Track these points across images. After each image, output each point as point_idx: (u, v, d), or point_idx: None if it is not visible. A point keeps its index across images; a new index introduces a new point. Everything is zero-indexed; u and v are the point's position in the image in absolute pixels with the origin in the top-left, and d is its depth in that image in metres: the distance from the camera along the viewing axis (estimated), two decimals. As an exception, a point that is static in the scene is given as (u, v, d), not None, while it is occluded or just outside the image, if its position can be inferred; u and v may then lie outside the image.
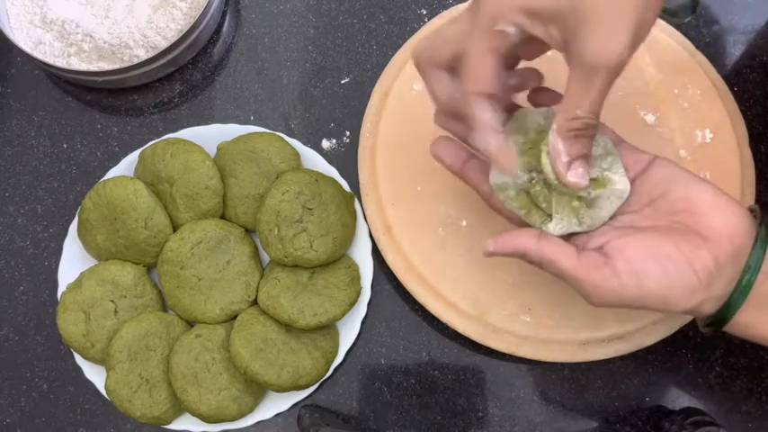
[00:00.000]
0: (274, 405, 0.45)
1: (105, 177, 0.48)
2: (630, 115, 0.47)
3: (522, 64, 0.37)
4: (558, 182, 0.34)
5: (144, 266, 0.47)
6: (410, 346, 0.47)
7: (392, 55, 0.50)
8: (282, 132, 0.49)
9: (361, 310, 0.46)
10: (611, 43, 0.29)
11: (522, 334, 0.44)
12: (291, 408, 0.45)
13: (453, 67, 0.34)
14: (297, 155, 0.48)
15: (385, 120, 0.48)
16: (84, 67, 0.50)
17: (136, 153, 0.48)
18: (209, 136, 0.49)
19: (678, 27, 0.50)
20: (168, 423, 0.45)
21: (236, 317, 0.45)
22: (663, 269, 0.31)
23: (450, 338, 0.47)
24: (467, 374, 0.47)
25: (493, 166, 0.36)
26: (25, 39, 0.51)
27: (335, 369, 0.46)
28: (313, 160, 0.49)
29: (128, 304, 0.45)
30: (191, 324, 0.46)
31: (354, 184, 0.48)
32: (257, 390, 0.44)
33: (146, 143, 0.49)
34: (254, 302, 0.46)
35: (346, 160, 0.50)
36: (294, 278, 0.45)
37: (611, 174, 0.35)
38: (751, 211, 0.34)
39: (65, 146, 0.52)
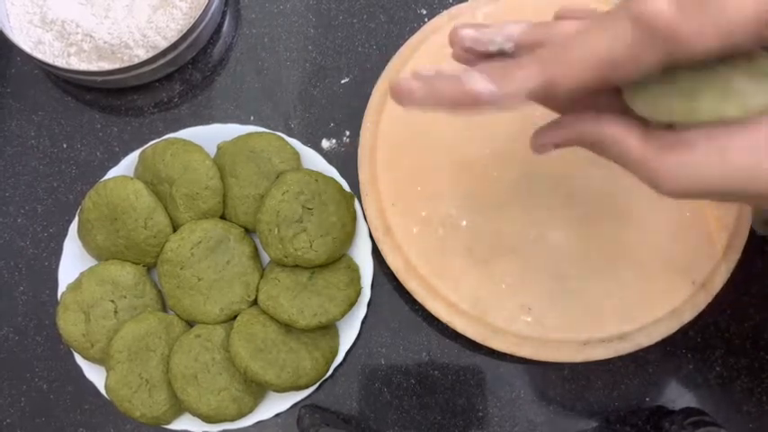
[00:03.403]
0: (274, 405, 0.45)
1: (105, 177, 0.48)
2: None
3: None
4: None
5: (144, 266, 0.47)
6: (410, 346, 0.47)
7: (392, 55, 0.50)
8: (282, 132, 0.49)
9: (361, 310, 0.46)
10: None
11: (522, 334, 0.44)
12: (291, 408, 0.45)
13: None
14: (297, 155, 0.48)
15: (385, 120, 0.48)
16: (83, 66, 0.50)
17: (136, 153, 0.48)
18: (209, 136, 0.49)
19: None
20: (168, 423, 0.45)
21: (235, 317, 0.45)
22: (753, 138, 0.25)
23: (450, 338, 0.47)
24: (467, 374, 0.47)
25: None
26: (25, 38, 0.51)
27: (335, 369, 0.46)
28: (313, 160, 0.49)
29: (128, 304, 0.45)
30: (190, 324, 0.46)
31: (354, 184, 0.48)
32: (257, 390, 0.44)
33: (146, 143, 0.49)
34: (254, 302, 0.46)
35: (346, 160, 0.50)
36: (294, 278, 0.45)
37: None
38: None
39: (65, 146, 0.52)
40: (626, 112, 0.29)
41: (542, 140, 0.31)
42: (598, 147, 0.29)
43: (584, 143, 0.30)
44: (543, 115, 0.32)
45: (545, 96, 0.27)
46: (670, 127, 0.27)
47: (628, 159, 0.28)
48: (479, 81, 0.27)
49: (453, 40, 0.32)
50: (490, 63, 0.29)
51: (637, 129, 0.28)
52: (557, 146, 0.31)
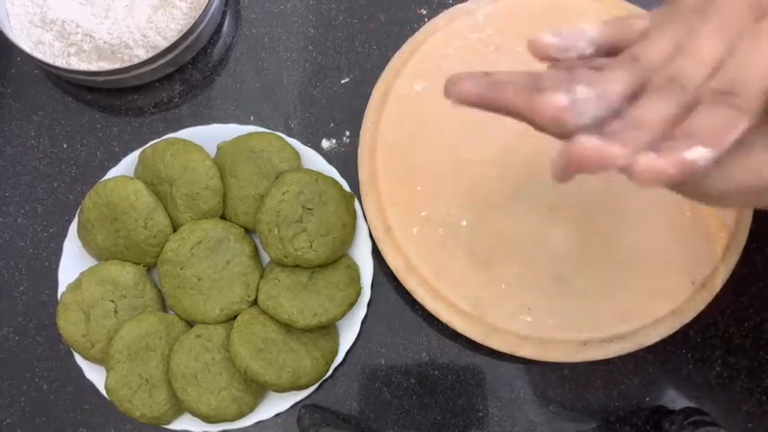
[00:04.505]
0: (274, 405, 0.45)
1: (105, 177, 0.48)
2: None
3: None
4: None
5: (144, 266, 0.47)
6: (410, 346, 0.47)
7: (392, 55, 0.50)
8: (282, 132, 0.49)
9: (361, 310, 0.46)
10: None
11: (522, 334, 0.44)
12: (291, 408, 0.45)
13: None
14: (297, 155, 0.48)
15: (385, 120, 0.48)
16: (84, 67, 0.50)
17: (136, 153, 0.48)
18: (209, 136, 0.49)
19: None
20: (168, 423, 0.45)
21: (236, 317, 0.45)
22: None
23: (450, 338, 0.47)
24: (467, 374, 0.47)
25: None
26: (25, 39, 0.51)
27: (335, 369, 0.46)
28: (313, 160, 0.49)
29: (128, 304, 0.45)
30: (191, 324, 0.46)
31: (354, 184, 0.48)
32: (257, 390, 0.44)
33: (146, 143, 0.49)
34: (254, 302, 0.46)
35: (346, 160, 0.50)
36: (294, 278, 0.45)
37: None
38: None
39: (65, 146, 0.52)
40: None
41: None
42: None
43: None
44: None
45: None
46: None
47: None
48: (697, 149, 0.24)
49: (536, 50, 0.29)
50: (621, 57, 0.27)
51: None
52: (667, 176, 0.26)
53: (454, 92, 0.28)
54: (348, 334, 0.46)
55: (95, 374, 0.46)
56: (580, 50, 0.28)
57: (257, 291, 0.46)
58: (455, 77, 0.28)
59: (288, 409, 0.45)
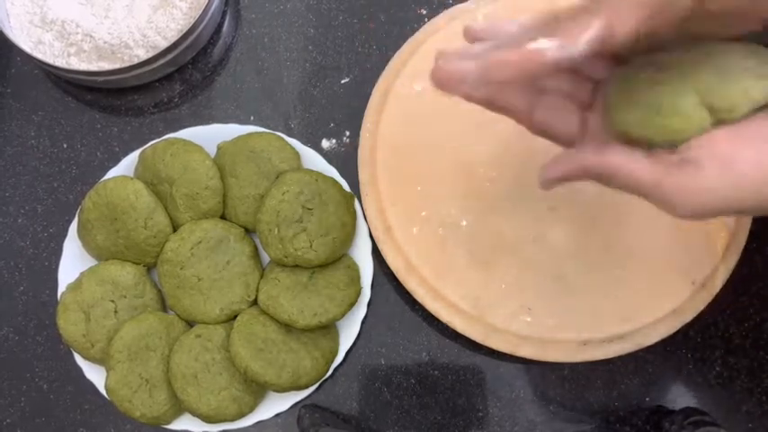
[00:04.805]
0: (274, 405, 0.45)
1: (105, 177, 0.48)
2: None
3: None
4: None
5: (144, 266, 0.47)
6: (410, 346, 0.47)
7: (392, 55, 0.50)
8: (282, 132, 0.49)
9: (361, 310, 0.46)
10: None
11: (522, 334, 0.44)
12: (291, 408, 0.45)
13: None
14: (297, 155, 0.48)
15: (385, 120, 0.48)
16: (84, 67, 0.50)
17: (136, 153, 0.48)
18: (209, 136, 0.49)
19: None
20: (168, 423, 0.45)
21: (236, 317, 0.45)
22: (757, 150, 0.26)
23: (450, 338, 0.47)
24: (467, 374, 0.47)
25: None
26: (25, 39, 0.51)
27: (335, 369, 0.46)
28: (313, 160, 0.49)
29: (128, 304, 0.45)
30: (190, 324, 0.46)
31: (354, 184, 0.48)
32: (257, 390, 0.44)
33: (146, 143, 0.49)
34: (254, 302, 0.46)
35: (346, 160, 0.50)
36: (294, 278, 0.45)
37: None
38: None
39: (65, 146, 0.52)
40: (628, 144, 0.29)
41: (549, 176, 0.31)
42: (605, 177, 0.29)
43: (590, 175, 0.30)
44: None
45: (602, 48, 0.26)
46: (672, 151, 0.28)
47: (638, 185, 0.28)
48: (542, 40, 0.26)
49: (466, 34, 0.32)
50: (539, 27, 0.29)
51: (640, 154, 0.28)
52: (564, 180, 0.31)
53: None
54: (348, 334, 0.46)
55: (95, 374, 0.46)
56: (509, 32, 0.31)
57: (257, 291, 0.46)
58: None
59: (288, 409, 0.45)
